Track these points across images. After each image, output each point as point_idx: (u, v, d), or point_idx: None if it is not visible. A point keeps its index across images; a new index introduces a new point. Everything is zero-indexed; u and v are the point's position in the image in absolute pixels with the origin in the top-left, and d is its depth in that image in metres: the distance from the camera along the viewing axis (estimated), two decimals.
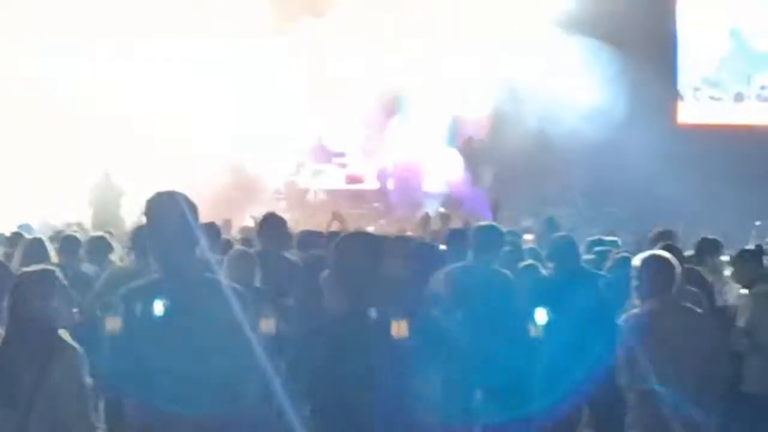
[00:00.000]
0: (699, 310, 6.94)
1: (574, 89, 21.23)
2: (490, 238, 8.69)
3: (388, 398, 4.71)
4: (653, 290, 6.76)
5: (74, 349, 5.40)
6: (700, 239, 9.86)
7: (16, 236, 11.44)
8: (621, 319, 6.91)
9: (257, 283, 7.77)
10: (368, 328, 4.76)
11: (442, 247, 9.83)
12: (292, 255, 9.40)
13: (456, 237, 9.47)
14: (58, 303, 5.51)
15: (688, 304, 6.94)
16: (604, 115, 20.97)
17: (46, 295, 5.48)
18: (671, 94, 23.14)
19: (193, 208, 4.96)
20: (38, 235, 10.41)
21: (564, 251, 8.88)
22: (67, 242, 9.86)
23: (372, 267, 4.88)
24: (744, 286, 8.57)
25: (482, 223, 9.33)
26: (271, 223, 9.15)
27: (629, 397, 6.91)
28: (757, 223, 18.68)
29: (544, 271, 9.33)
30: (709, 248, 9.62)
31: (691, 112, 23.24)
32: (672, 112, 23.11)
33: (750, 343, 8.25)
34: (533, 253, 10.43)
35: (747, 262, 8.66)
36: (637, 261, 7.01)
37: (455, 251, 9.10)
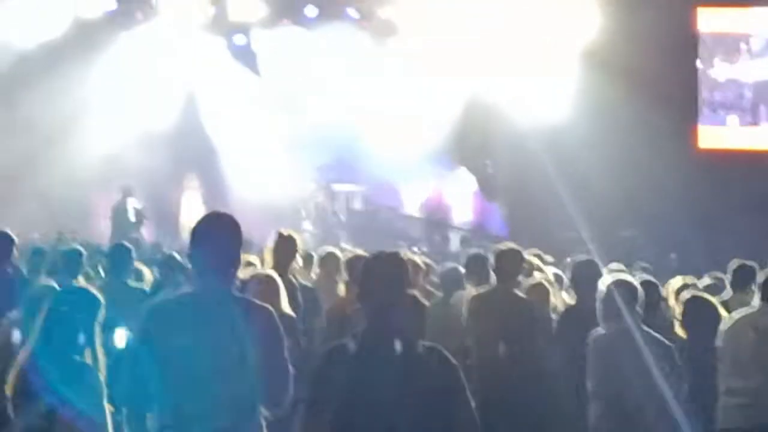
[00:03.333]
0: (660, 338, 6.96)
1: (592, 115, 21.26)
2: (509, 262, 8.71)
3: None
4: (613, 314, 6.90)
5: (92, 370, 5.47)
6: (737, 266, 9.62)
7: None
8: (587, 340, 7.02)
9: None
10: (390, 358, 4.71)
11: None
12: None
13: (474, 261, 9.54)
14: None
15: (650, 330, 7.02)
16: (622, 138, 20.94)
17: None
18: (692, 118, 23.06)
19: (238, 230, 5.06)
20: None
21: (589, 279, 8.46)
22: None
23: (394, 288, 4.84)
24: None
25: (502, 247, 9.22)
26: (281, 242, 8.93)
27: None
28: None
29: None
30: (746, 276, 9.40)
31: (712, 136, 23.11)
32: (692, 136, 23.02)
33: None
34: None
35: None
36: (601, 285, 7.16)
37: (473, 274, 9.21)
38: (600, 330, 7.16)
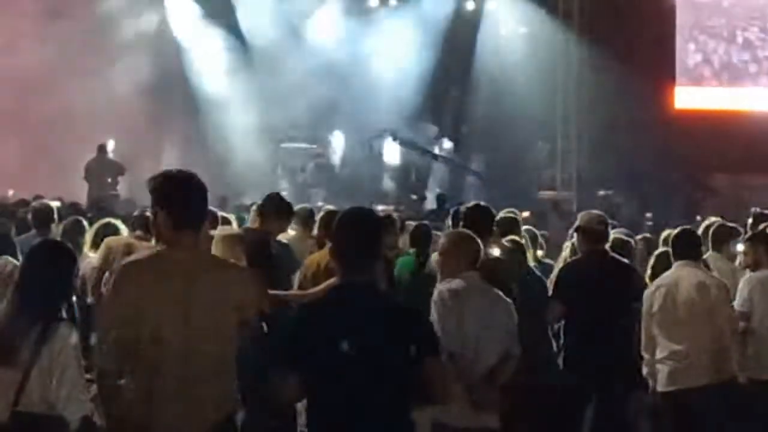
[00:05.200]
0: (498, 291, 6.85)
1: (570, 77, 21.31)
2: (479, 217, 8.61)
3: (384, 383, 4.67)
4: (454, 268, 6.79)
5: (70, 324, 5.43)
6: (716, 226, 9.53)
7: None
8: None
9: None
10: (364, 313, 4.71)
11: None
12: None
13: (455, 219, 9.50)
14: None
15: (488, 286, 6.87)
16: (600, 99, 20.99)
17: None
18: (669, 78, 23.11)
19: (203, 188, 5.01)
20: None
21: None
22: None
23: (368, 242, 4.84)
24: (751, 270, 8.42)
25: (472, 203, 9.10)
26: (270, 203, 8.93)
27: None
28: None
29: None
30: (723, 235, 9.40)
31: (688, 96, 23.18)
32: (669, 96, 23.08)
33: (747, 327, 8.17)
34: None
35: (757, 245, 8.49)
36: (442, 238, 7.09)
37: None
38: (445, 284, 6.88)
